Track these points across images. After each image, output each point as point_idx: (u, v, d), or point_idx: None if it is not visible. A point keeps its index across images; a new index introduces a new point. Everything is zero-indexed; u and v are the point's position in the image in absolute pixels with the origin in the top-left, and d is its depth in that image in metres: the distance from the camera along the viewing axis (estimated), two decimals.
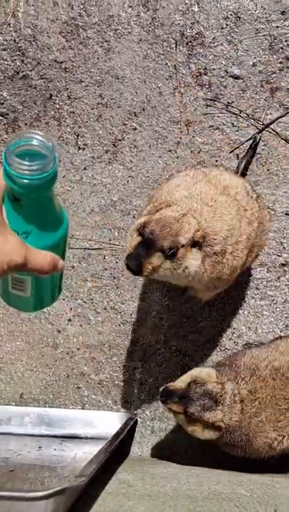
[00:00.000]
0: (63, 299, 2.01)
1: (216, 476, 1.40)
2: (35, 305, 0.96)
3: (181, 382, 1.60)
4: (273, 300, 1.95)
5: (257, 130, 1.99)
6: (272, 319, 1.93)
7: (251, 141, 1.95)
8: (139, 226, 1.48)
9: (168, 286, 1.95)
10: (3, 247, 0.80)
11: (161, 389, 1.60)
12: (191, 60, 2.02)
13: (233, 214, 1.56)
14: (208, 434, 1.58)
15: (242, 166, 1.93)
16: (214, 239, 1.51)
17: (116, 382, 1.95)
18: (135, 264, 1.41)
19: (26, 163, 0.80)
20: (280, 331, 1.93)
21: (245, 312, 1.95)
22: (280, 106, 1.99)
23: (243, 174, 1.94)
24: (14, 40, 2.06)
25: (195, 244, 1.47)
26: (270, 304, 1.94)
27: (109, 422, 1.83)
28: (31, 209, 0.84)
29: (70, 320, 1.99)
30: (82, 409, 1.92)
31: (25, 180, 0.80)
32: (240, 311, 1.95)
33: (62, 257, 0.91)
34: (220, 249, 1.52)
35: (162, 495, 1.26)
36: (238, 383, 1.59)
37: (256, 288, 1.95)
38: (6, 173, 0.81)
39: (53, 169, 0.82)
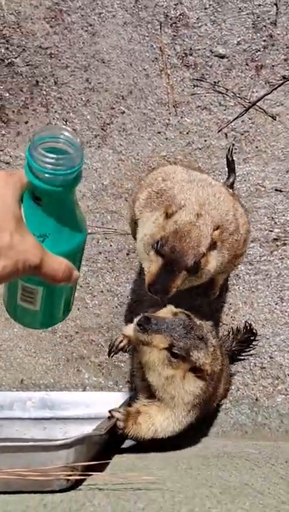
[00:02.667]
0: None
1: (221, 441, 1.44)
2: (43, 321, 0.90)
3: (163, 314, 1.40)
4: (267, 274, 1.98)
5: (244, 108, 2.01)
6: (267, 293, 1.96)
7: (228, 150, 1.95)
8: (155, 242, 1.39)
9: None
10: (20, 245, 0.75)
11: (140, 316, 1.36)
12: (176, 42, 2.04)
13: (229, 197, 1.58)
14: (188, 385, 1.36)
15: (231, 180, 1.93)
16: (227, 220, 1.50)
17: (116, 363, 1.97)
18: (162, 291, 1.35)
19: (52, 155, 0.75)
20: (276, 304, 1.96)
21: (241, 287, 1.98)
22: (265, 83, 2.02)
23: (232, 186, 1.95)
24: None
25: (213, 246, 1.43)
26: (264, 279, 1.97)
27: (111, 402, 1.84)
28: (51, 210, 0.79)
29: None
30: (84, 391, 1.94)
31: (49, 175, 0.75)
32: (236, 287, 1.98)
33: (78, 268, 0.86)
34: (234, 226, 1.52)
35: (174, 455, 1.29)
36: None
37: (250, 263, 1.98)
38: (28, 167, 0.77)
39: (79, 167, 0.77)
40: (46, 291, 0.85)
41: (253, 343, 1.90)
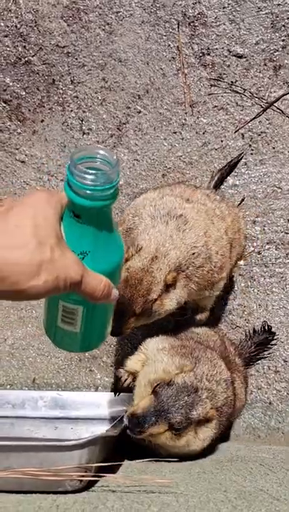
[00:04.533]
0: None
1: (234, 445, 1.42)
2: (83, 343, 0.91)
3: (142, 400, 1.35)
4: (282, 277, 1.95)
5: (261, 109, 1.99)
6: (282, 296, 1.94)
7: (234, 158, 1.96)
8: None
9: None
10: (60, 260, 0.77)
11: (125, 420, 1.33)
12: (194, 41, 2.02)
13: (204, 217, 1.56)
14: (203, 435, 1.36)
15: (216, 178, 1.93)
16: (193, 254, 1.48)
17: None
18: (114, 333, 1.39)
19: (90, 171, 0.79)
20: None
21: (255, 290, 1.95)
22: (283, 83, 1.99)
23: (216, 187, 1.93)
24: (16, 26, 2.06)
25: (169, 286, 1.44)
26: (279, 281, 1.95)
27: (122, 403, 1.83)
28: (90, 227, 0.82)
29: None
30: (96, 391, 1.93)
31: (88, 191, 0.79)
32: (250, 289, 1.96)
33: (116, 286, 0.87)
34: (203, 258, 1.50)
35: (187, 458, 1.28)
36: (197, 358, 1.43)
37: (265, 266, 1.96)
38: (68, 184, 0.80)
39: (116, 182, 0.81)
40: (86, 312, 0.87)
41: (272, 342, 1.87)
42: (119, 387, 1.57)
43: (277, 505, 1.04)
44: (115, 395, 1.63)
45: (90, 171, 0.79)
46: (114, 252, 0.86)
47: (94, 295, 0.82)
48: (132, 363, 1.55)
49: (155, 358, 1.45)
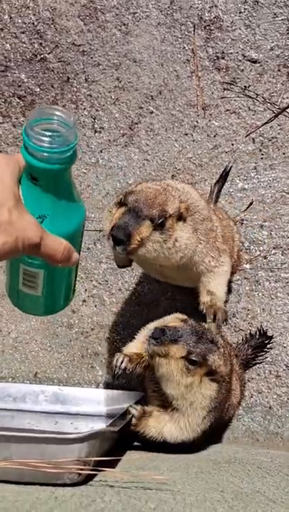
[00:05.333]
0: (78, 280, 2.02)
1: (232, 447, 1.42)
2: (47, 307, 0.91)
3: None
4: (288, 282, 1.96)
5: (273, 114, 2.00)
6: (286, 301, 1.94)
7: (223, 170, 1.98)
8: (119, 199, 1.41)
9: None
10: (19, 222, 0.76)
11: (153, 330, 1.34)
12: (209, 44, 2.03)
13: (199, 195, 1.61)
14: (205, 390, 1.37)
15: (215, 191, 1.94)
16: (197, 205, 1.52)
17: None
18: (124, 233, 1.30)
19: (47, 133, 0.78)
20: None
21: (260, 294, 1.96)
22: None
23: (216, 200, 1.95)
24: (33, 23, 2.08)
25: (180, 217, 1.43)
26: (284, 286, 1.95)
27: (122, 400, 1.84)
28: (48, 190, 0.81)
29: (84, 301, 2.01)
30: (97, 388, 1.94)
31: (45, 154, 0.78)
32: (255, 293, 1.96)
33: (78, 251, 0.87)
34: (207, 213, 1.53)
35: (184, 458, 1.29)
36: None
37: (271, 270, 1.97)
38: (25, 147, 0.79)
39: (73, 145, 0.79)
40: (47, 275, 0.86)
41: (268, 345, 1.88)
42: (117, 371, 1.51)
43: (274, 507, 1.05)
44: (115, 379, 1.57)
45: (47, 133, 0.78)
46: (74, 215, 0.85)
47: (54, 257, 0.81)
48: (130, 347, 1.54)
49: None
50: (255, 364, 1.90)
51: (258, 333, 1.88)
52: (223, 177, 1.96)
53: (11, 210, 0.76)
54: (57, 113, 0.81)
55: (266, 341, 1.88)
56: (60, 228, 0.83)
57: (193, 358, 1.33)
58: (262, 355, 1.89)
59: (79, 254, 0.87)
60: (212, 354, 1.37)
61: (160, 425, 1.45)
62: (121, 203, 1.40)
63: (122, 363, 1.51)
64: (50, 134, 0.78)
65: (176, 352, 1.32)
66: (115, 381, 1.61)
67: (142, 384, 1.71)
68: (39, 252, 0.80)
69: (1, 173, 0.78)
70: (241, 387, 1.79)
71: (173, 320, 1.46)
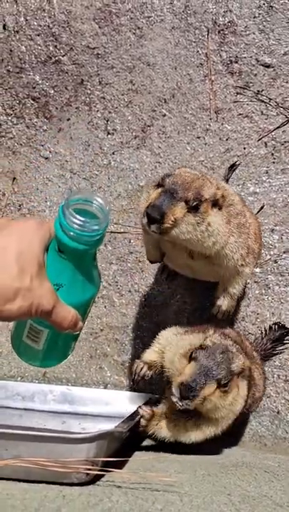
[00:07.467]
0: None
1: (239, 451, 1.42)
2: (43, 360, 0.97)
3: (182, 372, 1.36)
4: None
5: (286, 119, 2.00)
6: None
7: (232, 165, 1.98)
8: (158, 181, 1.45)
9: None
10: (38, 290, 0.83)
11: (174, 392, 1.34)
12: (223, 48, 2.04)
13: (233, 191, 1.65)
14: (242, 390, 1.42)
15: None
16: (233, 199, 1.55)
17: None
18: (158, 212, 1.35)
19: (81, 218, 0.84)
20: None
21: (269, 298, 1.96)
22: None
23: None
24: (48, 26, 2.10)
25: (215, 204, 1.46)
26: None
27: (130, 401, 1.85)
28: (71, 264, 0.87)
29: (94, 302, 2.02)
30: (105, 389, 1.94)
31: (75, 234, 0.84)
32: (265, 297, 1.96)
33: (84, 319, 0.94)
34: (241, 208, 1.55)
35: (192, 460, 1.29)
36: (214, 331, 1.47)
37: (281, 275, 1.96)
38: (58, 223, 0.85)
39: (102, 231, 0.85)
40: (51, 334, 0.93)
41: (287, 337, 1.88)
42: (137, 378, 1.57)
43: (281, 511, 1.05)
44: (134, 384, 1.64)
45: (80, 218, 0.84)
46: (88, 289, 0.92)
47: (61, 325, 0.88)
48: (148, 354, 1.59)
49: (176, 341, 1.49)
50: (275, 355, 1.89)
51: (275, 326, 1.88)
52: (232, 170, 1.97)
53: (33, 278, 0.82)
54: (98, 199, 0.87)
55: (284, 333, 1.88)
56: (73, 298, 0.90)
57: (225, 382, 1.37)
58: (281, 348, 1.89)
59: (84, 322, 0.94)
60: (233, 362, 1.40)
61: (176, 428, 1.47)
62: (159, 185, 1.44)
63: (141, 369, 1.57)
64: (83, 219, 0.84)
65: (209, 391, 1.35)
66: (134, 386, 1.67)
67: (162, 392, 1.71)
68: (49, 318, 0.87)
69: (31, 238, 0.84)
70: (264, 380, 1.80)
71: (174, 335, 1.51)
